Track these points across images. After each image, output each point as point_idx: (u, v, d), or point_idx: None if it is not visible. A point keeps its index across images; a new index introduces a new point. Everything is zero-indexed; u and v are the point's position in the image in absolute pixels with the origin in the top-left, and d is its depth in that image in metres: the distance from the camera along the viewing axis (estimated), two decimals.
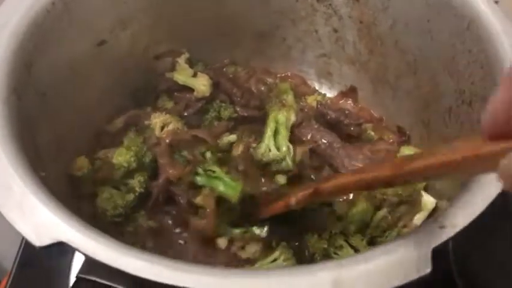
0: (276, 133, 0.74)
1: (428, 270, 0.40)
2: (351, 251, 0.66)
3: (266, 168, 0.72)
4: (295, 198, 0.60)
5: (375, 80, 0.82)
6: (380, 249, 0.42)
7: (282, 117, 0.75)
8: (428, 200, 0.71)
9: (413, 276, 0.40)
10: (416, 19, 0.71)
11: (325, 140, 0.77)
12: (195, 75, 0.83)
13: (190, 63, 0.86)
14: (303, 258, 0.67)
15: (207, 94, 0.82)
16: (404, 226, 0.70)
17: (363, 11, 0.77)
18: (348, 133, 0.80)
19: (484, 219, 0.45)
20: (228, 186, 0.66)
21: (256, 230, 0.67)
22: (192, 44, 0.85)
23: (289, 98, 0.84)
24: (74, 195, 0.66)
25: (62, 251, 0.78)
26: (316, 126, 0.78)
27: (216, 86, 0.83)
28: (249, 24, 0.86)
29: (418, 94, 0.75)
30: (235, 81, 0.87)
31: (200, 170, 0.66)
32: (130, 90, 0.82)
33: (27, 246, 0.83)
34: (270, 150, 0.72)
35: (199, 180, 0.66)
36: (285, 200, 0.62)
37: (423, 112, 0.75)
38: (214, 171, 0.66)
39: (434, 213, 0.69)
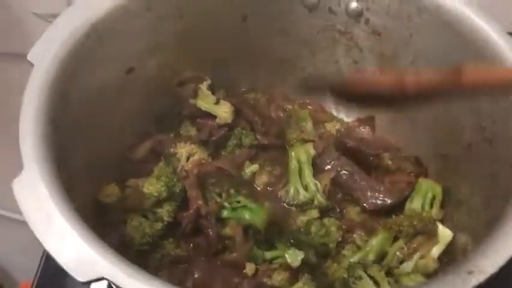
0: (300, 172, 0.76)
1: None
2: (370, 283, 0.68)
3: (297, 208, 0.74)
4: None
5: (394, 112, 0.84)
6: None
7: (303, 155, 0.77)
8: (445, 233, 0.72)
9: None
10: (438, 55, 0.73)
11: (346, 170, 0.78)
12: (217, 102, 0.85)
13: (212, 89, 0.88)
14: (324, 283, 0.69)
15: (229, 121, 0.84)
16: (422, 257, 0.72)
17: (385, 45, 0.79)
18: (367, 163, 0.82)
19: None
20: (254, 214, 0.68)
21: (289, 259, 0.67)
22: (213, 71, 0.87)
23: (308, 125, 0.86)
24: (101, 223, 0.68)
25: None
26: (336, 155, 0.79)
27: (237, 113, 0.85)
28: (270, 53, 0.88)
29: (437, 127, 0.77)
30: (256, 108, 0.89)
31: (226, 204, 0.68)
32: (154, 116, 0.84)
33: (48, 259, 0.85)
34: (299, 192, 0.75)
35: (226, 213, 0.68)
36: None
37: (442, 146, 0.76)
38: (239, 201, 0.68)
39: (452, 246, 0.71)
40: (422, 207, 0.76)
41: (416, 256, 0.72)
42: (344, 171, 0.79)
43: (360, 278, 0.68)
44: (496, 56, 0.65)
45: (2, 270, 1.50)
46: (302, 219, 0.73)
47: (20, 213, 0.48)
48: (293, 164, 0.77)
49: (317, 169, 0.78)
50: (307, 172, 0.77)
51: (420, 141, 0.81)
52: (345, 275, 0.68)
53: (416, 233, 0.72)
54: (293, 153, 0.78)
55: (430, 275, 0.70)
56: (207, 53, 0.84)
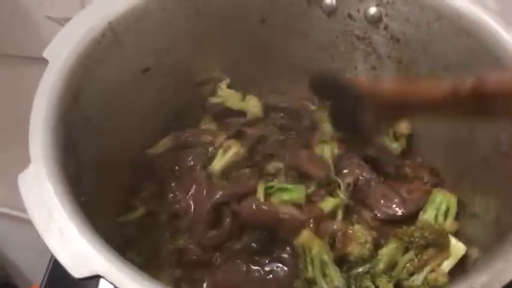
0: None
1: None
2: None
3: None
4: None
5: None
6: None
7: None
8: (458, 246, 0.70)
9: None
10: (457, 63, 0.71)
11: (364, 175, 0.77)
12: (243, 99, 0.86)
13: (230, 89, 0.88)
14: None
15: (260, 115, 0.84)
16: (432, 271, 0.70)
17: (403, 51, 0.77)
18: (386, 171, 0.80)
19: None
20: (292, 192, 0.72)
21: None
22: (231, 73, 0.87)
23: (327, 126, 0.85)
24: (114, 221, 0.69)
25: None
26: (356, 160, 0.79)
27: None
28: (288, 56, 0.87)
29: (454, 138, 0.75)
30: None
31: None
32: (171, 116, 0.85)
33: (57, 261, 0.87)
34: None
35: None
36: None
37: (458, 157, 0.74)
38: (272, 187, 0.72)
39: (464, 260, 0.69)
40: (436, 218, 0.74)
41: (426, 269, 0.70)
42: (361, 177, 0.78)
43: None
44: None
45: (17, 271, 1.53)
46: None
47: None
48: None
49: (337, 170, 0.78)
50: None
51: (437, 151, 0.79)
52: (353, 286, 0.67)
53: (428, 245, 0.71)
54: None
55: None
56: (224, 53, 0.84)
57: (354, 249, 0.70)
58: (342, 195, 0.75)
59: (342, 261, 0.70)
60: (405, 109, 0.59)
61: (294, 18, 0.82)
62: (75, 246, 0.46)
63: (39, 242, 0.88)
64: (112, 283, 0.43)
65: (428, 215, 0.74)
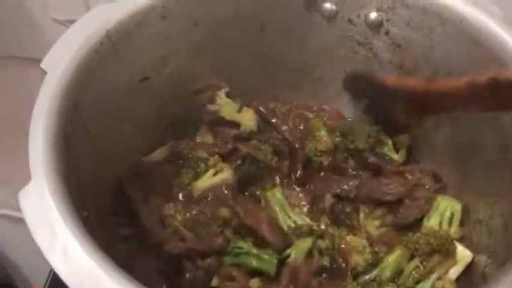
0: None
1: None
2: None
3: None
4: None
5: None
6: None
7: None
8: (464, 253, 0.70)
9: None
10: (460, 69, 0.70)
11: (343, 187, 0.77)
12: (239, 110, 0.84)
13: (229, 98, 0.87)
14: None
15: (255, 129, 0.83)
16: (439, 278, 0.69)
17: (404, 57, 0.77)
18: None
19: None
20: (262, 261, 0.68)
21: None
22: (230, 80, 0.86)
23: (323, 133, 0.84)
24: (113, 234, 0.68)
25: None
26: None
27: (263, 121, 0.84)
28: (288, 62, 0.86)
29: (458, 144, 0.74)
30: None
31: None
32: (168, 124, 0.83)
33: None
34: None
35: (227, 259, 0.68)
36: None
37: (462, 163, 0.74)
38: (241, 248, 0.68)
39: (472, 268, 0.68)
40: (440, 225, 0.73)
41: (433, 277, 0.69)
42: (340, 190, 0.77)
43: None
44: None
45: (17, 272, 1.51)
46: None
47: None
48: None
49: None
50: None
51: (440, 157, 0.79)
52: None
53: (433, 252, 0.70)
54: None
55: None
56: (223, 62, 0.83)
57: (358, 259, 0.70)
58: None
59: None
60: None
61: (293, 25, 0.81)
62: (80, 265, 0.45)
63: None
64: None
65: (432, 222, 0.73)
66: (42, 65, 0.60)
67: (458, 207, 0.73)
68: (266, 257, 0.68)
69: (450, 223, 0.73)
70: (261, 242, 0.70)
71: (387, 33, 0.77)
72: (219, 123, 0.85)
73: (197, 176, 0.79)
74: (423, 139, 0.81)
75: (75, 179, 0.58)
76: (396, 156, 0.81)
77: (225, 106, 0.85)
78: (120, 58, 0.68)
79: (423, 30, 0.72)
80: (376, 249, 0.73)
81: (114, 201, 0.74)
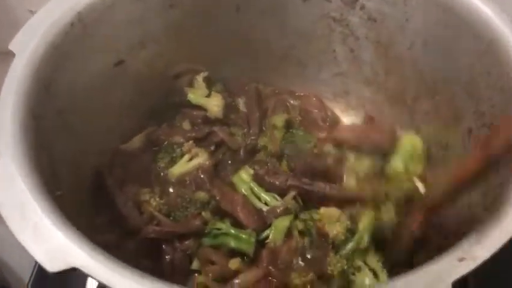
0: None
1: None
2: (370, 274, 0.65)
3: None
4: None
5: (393, 100, 0.81)
6: (401, 281, 0.41)
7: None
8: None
9: None
10: (435, 40, 0.70)
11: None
12: (209, 95, 0.83)
13: (209, 82, 0.86)
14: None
15: (220, 116, 0.82)
16: None
17: (380, 31, 0.76)
18: None
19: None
20: (241, 241, 0.68)
21: None
22: (210, 64, 0.85)
23: (279, 132, 0.84)
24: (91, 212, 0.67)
25: None
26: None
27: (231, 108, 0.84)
28: (267, 44, 0.86)
29: (436, 116, 0.74)
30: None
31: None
32: (147, 109, 0.82)
33: None
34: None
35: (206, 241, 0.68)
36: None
37: (442, 134, 0.73)
38: (219, 229, 0.68)
39: None
40: (404, 163, 0.71)
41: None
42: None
43: (359, 269, 0.66)
44: (495, 40, 0.62)
45: (10, 271, 1.50)
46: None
47: None
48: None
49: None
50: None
51: (420, 130, 0.78)
52: (346, 266, 0.66)
53: (404, 198, 0.69)
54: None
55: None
56: (201, 45, 0.82)
57: (336, 229, 0.68)
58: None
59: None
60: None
61: (269, 5, 0.81)
62: (50, 241, 0.44)
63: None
64: (89, 275, 0.41)
65: (396, 162, 0.71)
66: (11, 46, 0.59)
67: (419, 142, 0.72)
68: (244, 237, 0.68)
69: (413, 160, 0.71)
70: (240, 224, 0.70)
71: (362, 8, 0.76)
72: (188, 105, 0.85)
73: (173, 161, 0.78)
74: (404, 109, 0.81)
75: (47, 162, 0.57)
76: None
77: (194, 90, 0.84)
78: (93, 41, 0.68)
79: (398, 3, 0.72)
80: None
81: (92, 189, 0.73)
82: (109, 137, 0.77)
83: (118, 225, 0.71)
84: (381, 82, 0.82)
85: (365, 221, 0.68)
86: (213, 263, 0.67)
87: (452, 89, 0.70)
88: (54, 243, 0.44)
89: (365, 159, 0.72)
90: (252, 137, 0.82)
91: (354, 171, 0.73)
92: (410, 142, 0.72)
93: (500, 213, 0.45)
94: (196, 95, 0.83)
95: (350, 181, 0.72)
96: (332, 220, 0.68)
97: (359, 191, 0.71)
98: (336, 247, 0.67)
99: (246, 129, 0.84)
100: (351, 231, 0.67)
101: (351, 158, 0.73)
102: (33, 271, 0.86)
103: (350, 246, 0.66)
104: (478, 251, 0.42)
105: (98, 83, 0.71)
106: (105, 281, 0.41)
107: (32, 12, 1.00)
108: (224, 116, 0.83)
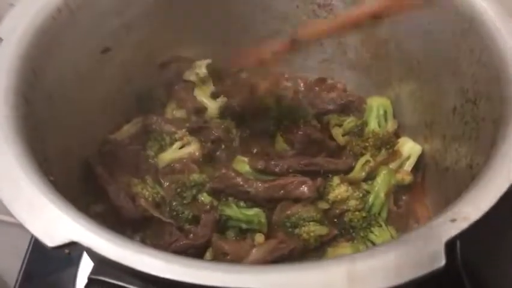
0: None
1: (442, 263, 0.40)
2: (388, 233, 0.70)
3: None
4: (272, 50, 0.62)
5: (378, 83, 0.83)
6: (394, 243, 0.42)
7: None
8: (415, 147, 0.77)
9: (427, 269, 0.40)
10: (417, 21, 0.72)
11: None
12: (214, 95, 0.85)
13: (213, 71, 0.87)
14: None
15: (215, 116, 0.84)
16: (397, 172, 0.76)
17: None
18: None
19: (494, 225, 0.45)
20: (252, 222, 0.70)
21: None
22: (196, 52, 0.86)
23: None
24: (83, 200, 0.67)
25: (68, 260, 0.80)
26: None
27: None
28: (251, 30, 0.86)
29: (421, 95, 0.76)
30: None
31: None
32: (134, 98, 0.83)
33: (30, 261, 0.84)
34: None
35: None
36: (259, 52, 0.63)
37: (427, 113, 0.75)
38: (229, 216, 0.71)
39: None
40: (379, 124, 0.80)
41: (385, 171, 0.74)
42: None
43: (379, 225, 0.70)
44: (476, 17, 0.63)
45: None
46: None
47: (10, 214, 0.46)
48: None
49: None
50: None
51: (405, 111, 0.80)
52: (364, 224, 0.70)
53: (381, 146, 0.77)
54: None
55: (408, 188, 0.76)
56: (187, 32, 0.83)
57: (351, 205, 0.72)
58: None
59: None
60: None
61: None
62: (46, 215, 0.44)
63: (18, 245, 0.85)
64: (89, 248, 0.41)
65: (372, 125, 0.80)
66: None
67: (386, 102, 0.82)
68: (255, 218, 0.69)
69: (386, 119, 0.81)
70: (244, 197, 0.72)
71: None
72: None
73: (162, 149, 0.79)
74: (389, 90, 0.83)
75: (40, 146, 0.57)
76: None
77: (201, 87, 0.85)
78: (79, 26, 0.67)
79: None
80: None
81: (83, 178, 0.73)
82: (97, 126, 0.77)
83: (113, 215, 0.71)
84: (366, 65, 0.83)
85: (380, 179, 0.73)
86: (225, 253, 0.67)
87: (436, 68, 0.71)
88: (51, 219, 0.44)
89: None
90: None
91: None
92: (378, 103, 0.81)
93: (490, 174, 0.46)
94: (203, 91, 0.85)
95: None
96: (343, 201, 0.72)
97: None
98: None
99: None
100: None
101: None
102: (18, 276, 0.85)
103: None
104: (468, 211, 0.43)
105: (85, 70, 0.71)
106: (104, 253, 0.41)
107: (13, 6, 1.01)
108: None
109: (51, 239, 0.42)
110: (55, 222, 0.43)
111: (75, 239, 0.42)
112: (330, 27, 0.53)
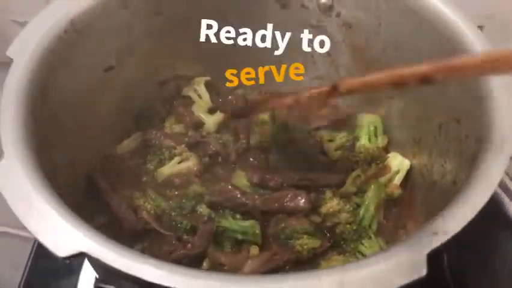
0: None
1: (424, 273, 0.44)
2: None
3: None
4: (308, 93, 0.63)
5: (369, 100, 0.86)
6: (381, 255, 0.46)
7: None
8: (404, 162, 0.80)
9: (411, 278, 0.44)
10: (406, 42, 0.75)
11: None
12: (212, 110, 0.88)
13: (211, 87, 0.91)
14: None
15: (212, 131, 0.87)
16: (386, 186, 0.79)
17: (356, 36, 0.82)
18: None
19: (477, 227, 0.49)
20: (247, 233, 0.72)
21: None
22: (196, 70, 0.90)
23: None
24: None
25: (68, 270, 0.82)
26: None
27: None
28: (249, 50, 0.90)
29: (410, 113, 0.80)
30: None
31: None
32: (134, 115, 0.87)
33: (30, 271, 0.86)
34: None
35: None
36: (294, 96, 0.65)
37: (415, 130, 0.79)
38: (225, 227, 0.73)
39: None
40: (370, 140, 0.84)
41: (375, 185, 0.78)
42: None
43: (369, 237, 0.73)
44: (458, 42, 0.67)
45: None
46: None
47: (10, 226, 0.48)
48: None
49: None
50: None
51: (395, 128, 0.84)
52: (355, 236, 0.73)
53: (371, 161, 0.80)
54: None
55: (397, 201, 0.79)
56: (187, 51, 0.86)
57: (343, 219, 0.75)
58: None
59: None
60: None
61: (251, 12, 0.85)
62: (57, 227, 0.47)
63: (16, 256, 0.86)
64: (97, 258, 0.44)
65: (363, 141, 0.83)
66: (9, 52, 0.62)
67: (377, 119, 0.85)
68: (250, 229, 0.72)
69: (376, 135, 0.84)
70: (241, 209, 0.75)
71: (338, 15, 0.82)
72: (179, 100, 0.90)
73: (162, 163, 0.82)
74: (379, 109, 0.86)
75: (49, 162, 0.60)
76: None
77: (199, 104, 0.89)
78: (84, 47, 0.71)
79: (371, 9, 0.78)
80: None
81: (87, 192, 0.76)
82: (100, 141, 0.80)
83: (115, 226, 0.73)
84: None
85: (364, 207, 0.75)
86: (222, 264, 0.70)
87: (423, 88, 0.74)
88: (61, 230, 0.47)
89: None
90: (243, 141, 0.85)
91: None
92: (369, 120, 0.84)
93: (469, 192, 0.50)
94: (200, 106, 0.88)
95: None
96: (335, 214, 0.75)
97: None
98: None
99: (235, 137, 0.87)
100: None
101: None
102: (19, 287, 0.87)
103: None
104: (448, 226, 0.47)
105: (89, 88, 0.74)
106: (112, 263, 0.44)
107: (16, 22, 1.04)
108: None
109: (61, 250, 0.45)
110: (65, 234, 0.46)
111: (84, 250, 0.45)
112: (374, 83, 0.54)
